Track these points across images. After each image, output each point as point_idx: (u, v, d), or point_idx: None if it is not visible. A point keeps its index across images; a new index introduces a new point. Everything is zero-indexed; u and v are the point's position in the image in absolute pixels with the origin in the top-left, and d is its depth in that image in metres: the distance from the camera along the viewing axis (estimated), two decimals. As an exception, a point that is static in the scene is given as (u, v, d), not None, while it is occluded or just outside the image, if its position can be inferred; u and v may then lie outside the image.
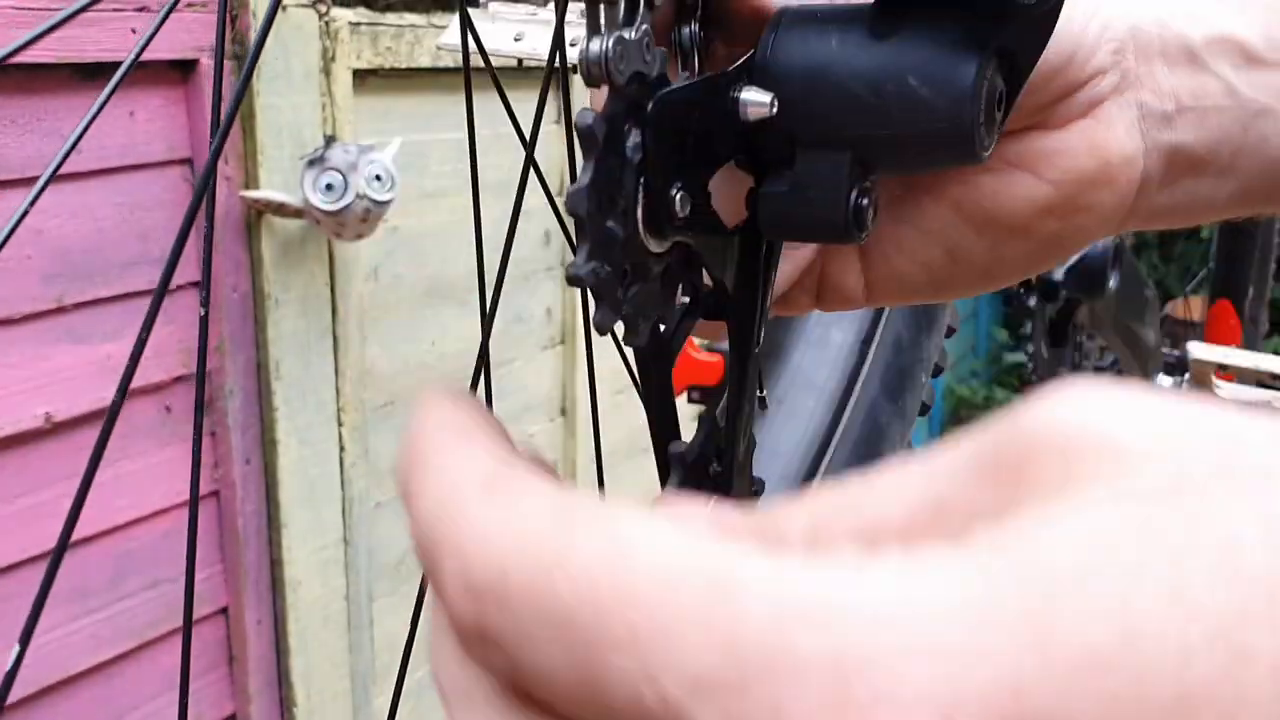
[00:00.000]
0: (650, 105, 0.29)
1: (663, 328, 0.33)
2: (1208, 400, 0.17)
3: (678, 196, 0.30)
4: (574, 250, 0.28)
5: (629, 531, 0.18)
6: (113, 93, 0.27)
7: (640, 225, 0.29)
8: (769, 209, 0.33)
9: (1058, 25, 0.35)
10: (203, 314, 0.30)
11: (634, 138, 0.29)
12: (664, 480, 0.34)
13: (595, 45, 0.28)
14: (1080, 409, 0.17)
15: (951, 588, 0.15)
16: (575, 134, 0.28)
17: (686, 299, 0.35)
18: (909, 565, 0.16)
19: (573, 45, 0.64)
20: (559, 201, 0.37)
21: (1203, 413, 0.17)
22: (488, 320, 0.44)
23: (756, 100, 0.32)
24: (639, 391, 0.35)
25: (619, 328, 0.29)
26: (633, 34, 0.29)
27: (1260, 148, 0.40)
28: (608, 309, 0.28)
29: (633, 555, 0.17)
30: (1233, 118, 0.40)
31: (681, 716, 0.16)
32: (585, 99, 0.34)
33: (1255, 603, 0.14)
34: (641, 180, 0.29)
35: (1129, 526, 0.15)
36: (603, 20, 0.28)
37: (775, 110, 0.32)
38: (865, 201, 0.32)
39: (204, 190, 0.29)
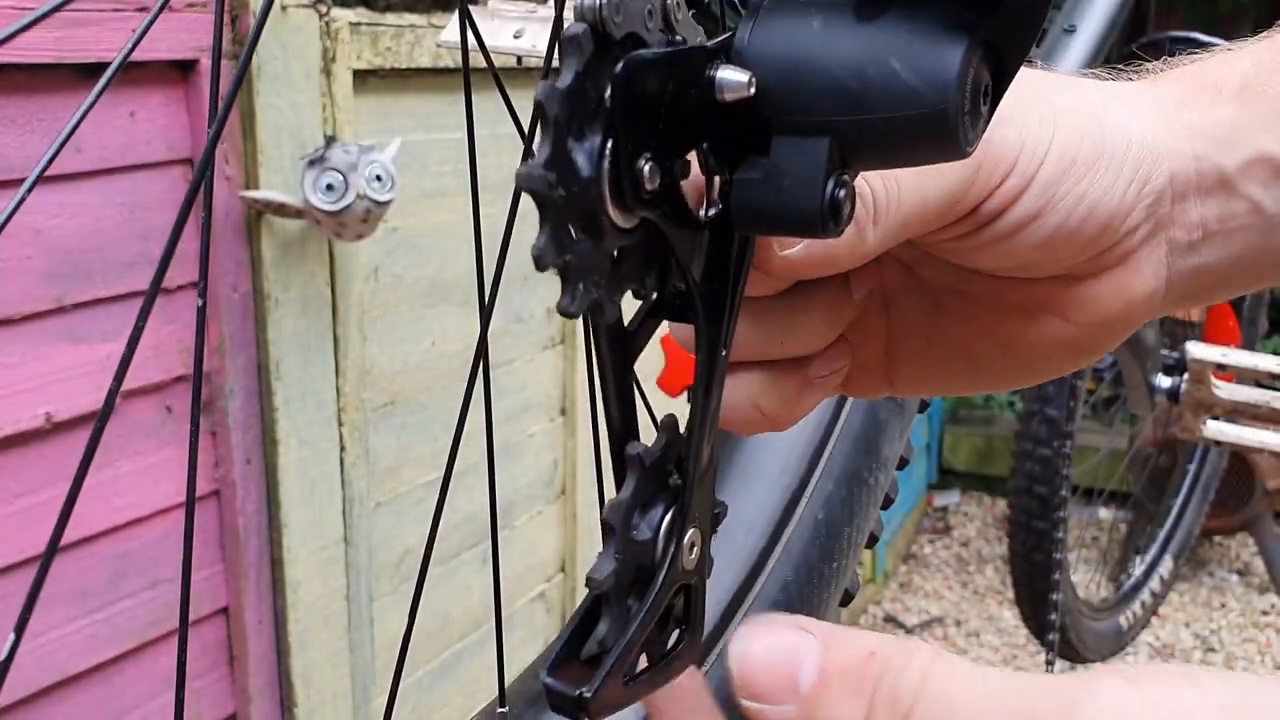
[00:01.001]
0: (619, 67, 0.28)
1: (625, 323, 0.32)
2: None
3: (646, 167, 0.28)
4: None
5: None
6: (105, 88, 0.27)
7: (604, 182, 0.28)
8: (741, 198, 0.31)
9: (1096, 196, 0.37)
10: (200, 304, 0.30)
11: (602, 108, 0.27)
12: (619, 482, 0.33)
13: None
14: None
15: None
16: (561, 45, 0.27)
17: (654, 295, 0.33)
18: None
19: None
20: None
21: None
22: (485, 319, 0.44)
23: (733, 80, 0.30)
24: (600, 386, 0.33)
25: (566, 301, 0.27)
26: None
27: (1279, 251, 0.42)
28: (549, 240, 0.26)
29: None
30: (1257, 232, 0.41)
31: None
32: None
33: None
34: (611, 141, 0.28)
35: None
36: None
37: (753, 91, 0.30)
38: (842, 194, 0.31)
39: (200, 181, 0.29)
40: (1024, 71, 0.40)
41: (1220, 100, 0.41)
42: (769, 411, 0.41)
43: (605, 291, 0.29)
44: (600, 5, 0.27)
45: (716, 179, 0.32)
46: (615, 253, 0.29)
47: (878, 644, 0.30)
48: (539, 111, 0.26)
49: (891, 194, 0.37)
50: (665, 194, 0.30)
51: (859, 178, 0.34)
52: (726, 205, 0.32)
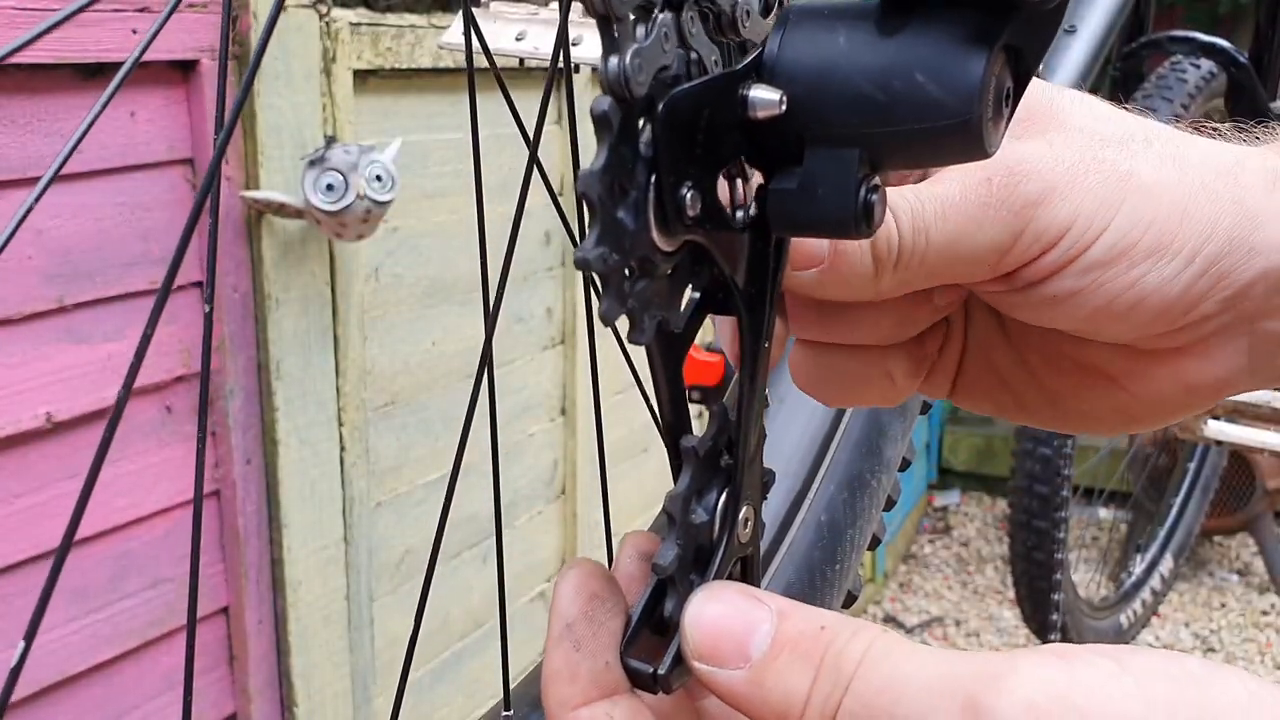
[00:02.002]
0: (660, 106, 0.29)
1: (671, 322, 0.33)
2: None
3: (688, 195, 0.30)
4: (576, 244, 0.28)
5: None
6: (112, 96, 0.27)
7: (651, 223, 0.29)
8: (777, 206, 0.33)
9: (1150, 286, 0.36)
10: (207, 310, 0.30)
11: (647, 133, 0.29)
12: (676, 474, 0.35)
13: (614, 63, 0.28)
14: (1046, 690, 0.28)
15: None
16: (591, 120, 0.28)
17: (697, 294, 0.35)
18: None
19: (575, 44, 0.64)
20: (561, 201, 0.37)
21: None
22: (491, 320, 0.44)
23: (765, 98, 0.31)
24: (646, 385, 0.35)
25: (623, 324, 0.29)
26: (648, 38, 0.29)
27: None
28: (613, 299, 0.28)
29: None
30: None
31: None
32: (588, 98, 0.33)
33: None
34: (653, 178, 0.29)
35: None
36: (615, 34, 0.28)
37: (784, 108, 0.32)
38: (873, 198, 0.32)
39: (209, 188, 0.29)
40: (1116, 125, 0.37)
41: None
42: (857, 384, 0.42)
43: (666, 312, 0.30)
44: (623, 70, 0.28)
45: (752, 186, 0.34)
46: (668, 274, 0.31)
47: (828, 620, 0.31)
48: (584, 199, 0.28)
49: (918, 245, 0.36)
50: (706, 214, 0.31)
51: (888, 218, 0.36)
52: (762, 209, 0.33)
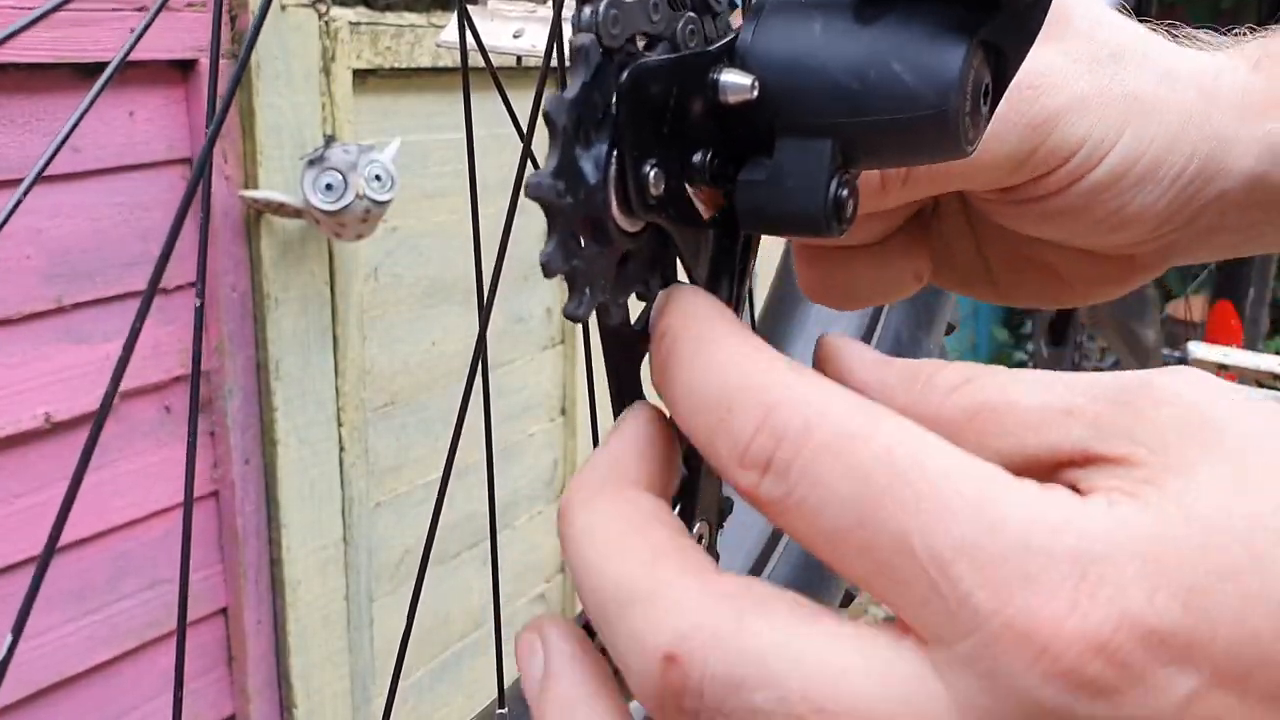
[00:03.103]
0: (625, 75, 0.28)
1: (632, 321, 0.32)
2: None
3: (651, 174, 0.29)
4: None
5: (922, 434, 0.23)
6: (102, 89, 0.27)
7: (611, 190, 0.28)
8: (745, 198, 0.32)
9: (1137, 208, 0.37)
10: (198, 305, 0.30)
11: (609, 116, 0.28)
12: None
13: (586, 10, 0.27)
14: (1201, 393, 0.23)
15: (1159, 523, 0.21)
16: (570, 53, 0.27)
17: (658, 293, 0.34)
18: (1121, 505, 0.21)
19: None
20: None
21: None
22: (484, 319, 0.43)
23: (737, 83, 0.31)
24: (609, 386, 0.34)
25: (574, 305, 0.28)
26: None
27: None
28: (558, 248, 0.27)
29: (925, 450, 0.22)
30: (1273, 230, 0.40)
31: (944, 567, 0.21)
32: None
33: None
34: (614, 155, 0.28)
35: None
36: None
37: (756, 94, 0.31)
38: (845, 193, 0.31)
39: (198, 180, 0.29)
40: (1115, 33, 0.38)
41: None
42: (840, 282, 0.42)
43: (610, 295, 0.29)
44: (598, 16, 0.27)
45: (720, 179, 0.33)
46: (621, 257, 0.30)
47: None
48: (547, 121, 0.27)
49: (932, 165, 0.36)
50: (670, 198, 0.30)
51: None
52: (730, 204, 0.32)
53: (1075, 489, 0.22)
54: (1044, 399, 0.24)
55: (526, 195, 0.27)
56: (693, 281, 0.33)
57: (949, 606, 0.21)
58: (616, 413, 0.33)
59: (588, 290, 0.28)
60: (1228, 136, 0.38)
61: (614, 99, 0.28)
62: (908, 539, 0.21)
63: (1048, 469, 0.23)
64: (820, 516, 0.23)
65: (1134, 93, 0.37)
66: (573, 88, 0.27)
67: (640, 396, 0.34)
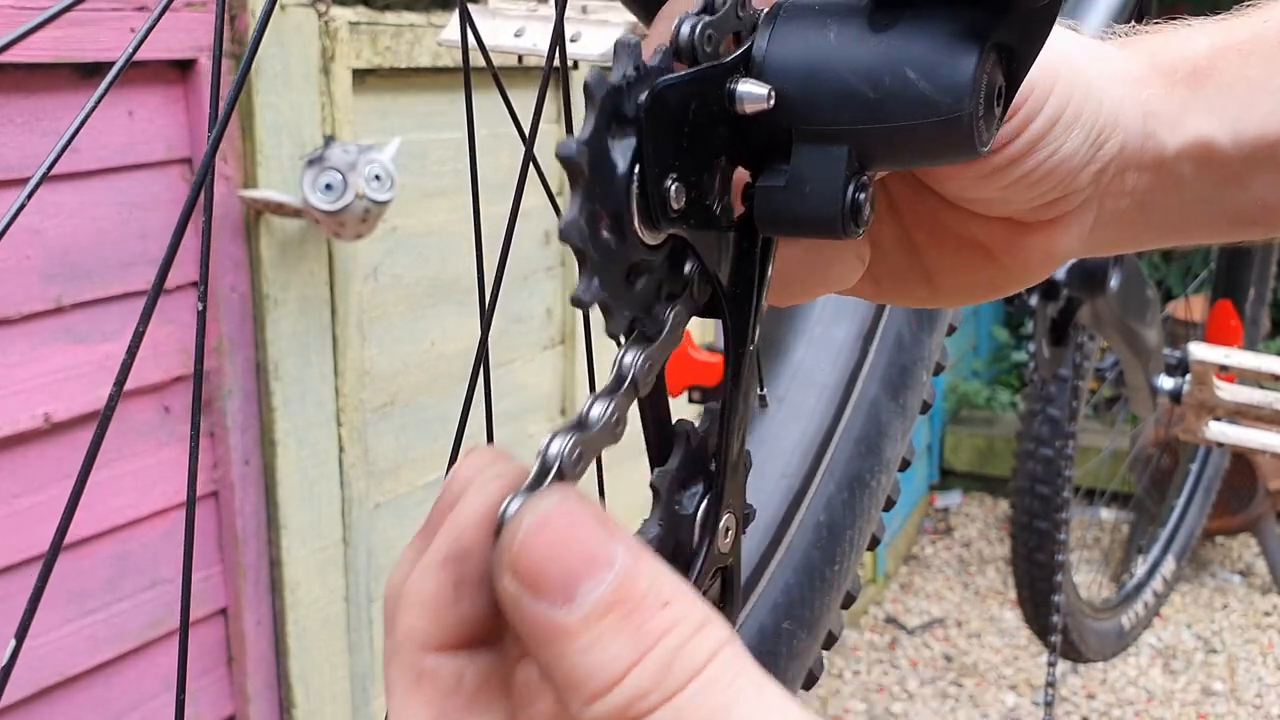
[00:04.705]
0: (645, 96, 0.29)
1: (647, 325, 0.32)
2: None
3: (672, 188, 0.29)
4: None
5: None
6: (105, 92, 0.27)
7: (635, 220, 0.29)
8: (765, 203, 0.32)
9: (1065, 154, 0.38)
10: (201, 308, 0.30)
11: (625, 142, 0.28)
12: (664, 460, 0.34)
13: (685, 29, 0.29)
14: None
15: None
16: (585, 98, 0.28)
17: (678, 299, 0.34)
18: None
19: (573, 41, 0.64)
20: (560, 201, 0.37)
21: None
22: (486, 319, 0.43)
23: (753, 93, 0.31)
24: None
25: (582, 288, 0.28)
26: (721, 7, 0.29)
27: (1191, 211, 0.45)
28: (589, 283, 0.28)
29: None
30: (1175, 204, 0.44)
31: None
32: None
33: None
34: (635, 175, 0.29)
35: None
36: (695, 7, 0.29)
37: (772, 103, 0.31)
38: (862, 197, 0.32)
39: (201, 184, 0.29)
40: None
41: (1175, 82, 0.43)
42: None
43: (615, 298, 0.30)
44: (694, 40, 0.29)
45: (739, 185, 0.33)
46: (633, 267, 0.30)
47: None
48: (587, 93, 0.27)
49: None
50: (691, 209, 0.30)
51: None
52: (749, 207, 0.33)
53: None
54: None
55: (556, 155, 0.27)
56: (715, 287, 0.33)
57: None
58: (642, 415, 0.34)
59: (596, 279, 0.28)
60: (1119, 96, 0.41)
61: (620, 145, 0.29)
62: None
63: None
64: None
65: (1063, 51, 0.40)
66: (617, 71, 0.28)
67: (664, 388, 0.34)
